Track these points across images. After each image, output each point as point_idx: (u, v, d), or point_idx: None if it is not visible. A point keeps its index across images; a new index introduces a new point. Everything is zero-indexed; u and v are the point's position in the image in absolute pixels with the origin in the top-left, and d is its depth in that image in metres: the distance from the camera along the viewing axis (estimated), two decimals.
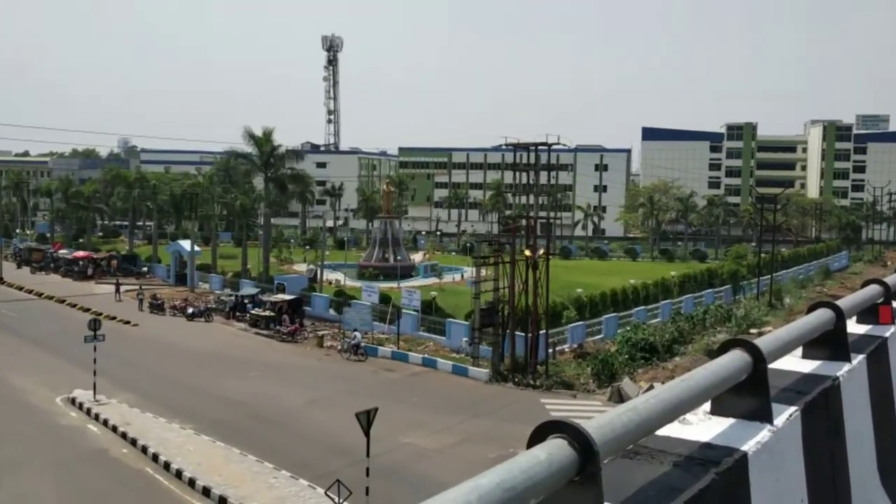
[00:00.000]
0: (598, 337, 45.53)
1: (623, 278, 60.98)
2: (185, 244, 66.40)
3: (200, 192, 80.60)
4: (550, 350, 39.75)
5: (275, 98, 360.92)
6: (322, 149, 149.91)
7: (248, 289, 55.58)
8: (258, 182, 79.53)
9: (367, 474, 19.87)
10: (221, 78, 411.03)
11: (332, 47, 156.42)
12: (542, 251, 40.47)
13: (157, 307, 53.53)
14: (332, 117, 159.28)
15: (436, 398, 33.80)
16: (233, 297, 53.36)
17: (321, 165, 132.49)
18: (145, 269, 71.84)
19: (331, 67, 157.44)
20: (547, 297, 39.65)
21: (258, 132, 65.19)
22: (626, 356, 38.66)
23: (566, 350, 42.62)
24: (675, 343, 42.47)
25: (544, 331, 39.35)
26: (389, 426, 25.37)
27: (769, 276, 60.09)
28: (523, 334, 38.62)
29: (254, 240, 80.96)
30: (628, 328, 43.47)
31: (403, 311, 46.44)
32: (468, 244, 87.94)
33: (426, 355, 41.19)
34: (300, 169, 73.50)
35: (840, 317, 3.73)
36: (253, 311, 49.71)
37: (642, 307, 51.04)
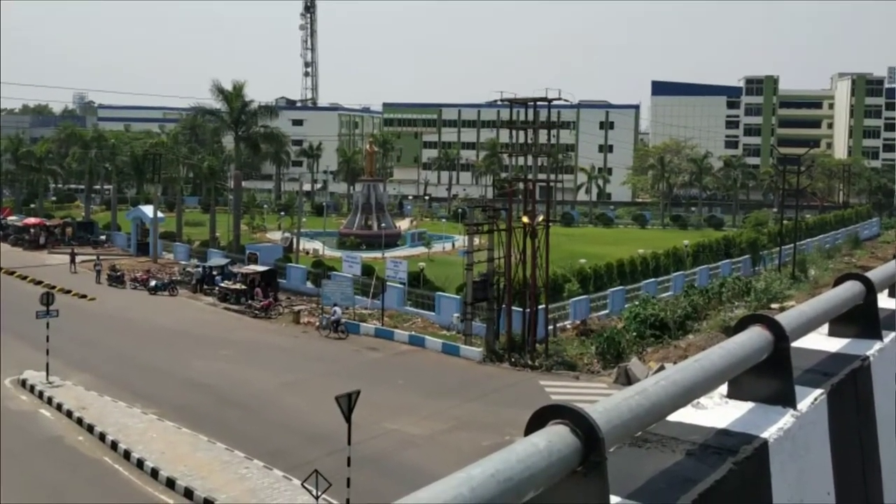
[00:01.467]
0: (603, 312, 45.75)
1: (631, 248, 61.18)
2: (148, 210, 66.17)
3: (164, 152, 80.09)
4: (551, 327, 39.94)
5: (247, 49, 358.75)
6: (298, 105, 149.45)
7: (216, 259, 55.56)
8: (228, 141, 79.31)
9: (349, 464, 19.94)
10: (188, 26, 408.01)
11: None
12: (541, 218, 40.49)
13: (116, 280, 53.41)
14: (309, 70, 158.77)
15: (424, 380, 33.98)
16: (200, 269, 53.34)
17: (297, 123, 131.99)
18: (103, 237, 71.67)
19: (308, 15, 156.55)
20: (547, 268, 39.74)
21: (228, 86, 64.88)
22: (634, 334, 38.85)
23: (568, 327, 42.83)
24: (689, 319, 42.70)
25: (544, 306, 39.50)
26: (373, 411, 25.45)
27: (792, 246, 60.29)
28: (521, 309, 38.72)
29: (223, 205, 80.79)
30: (636, 303, 43.66)
31: (388, 283, 46.52)
32: (460, 210, 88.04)
33: (413, 333, 41.31)
34: (274, 127, 73.23)
35: (870, 290, 3.73)
36: (222, 284, 49.74)
37: (652, 280, 51.30)
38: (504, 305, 38.88)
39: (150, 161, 77.85)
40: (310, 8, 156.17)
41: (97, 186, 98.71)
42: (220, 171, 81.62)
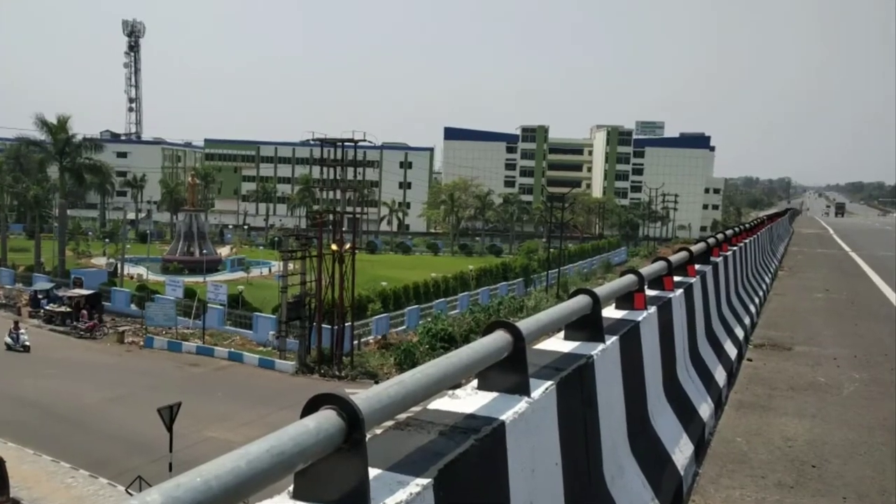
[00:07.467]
0: (401, 328, 46.37)
1: (425, 272, 62.35)
2: None
3: None
4: (356, 342, 40.13)
5: (73, 84, 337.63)
6: (123, 138, 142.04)
7: (41, 283, 51.93)
8: (53, 171, 74.37)
9: (170, 469, 19.30)
10: (17, 56, 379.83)
11: (133, 32, 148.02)
12: (348, 245, 40.69)
13: None
14: (133, 105, 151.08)
15: (242, 391, 33.26)
16: (33, 292, 49.58)
17: (122, 155, 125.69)
18: None
19: (132, 54, 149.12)
20: (353, 290, 39.95)
21: (52, 119, 61.02)
22: (427, 346, 39.66)
23: (371, 341, 43.13)
24: (472, 333, 43.91)
25: (350, 323, 39.64)
26: (193, 421, 24.75)
27: (557, 270, 63.36)
28: (329, 327, 38.69)
29: (48, 232, 75.58)
30: (429, 319, 44.61)
31: (209, 305, 45.16)
32: (276, 238, 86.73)
33: (232, 349, 40.33)
34: (98, 159, 69.36)
35: (597, 302, 4.03)
36: (48, 307, 46.53)
37: (442, 299, 52.50)
38: (315, 323, 38.72)
39: None
40: (133, 47, 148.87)
41: None
42: (46, 200, 76.38)
